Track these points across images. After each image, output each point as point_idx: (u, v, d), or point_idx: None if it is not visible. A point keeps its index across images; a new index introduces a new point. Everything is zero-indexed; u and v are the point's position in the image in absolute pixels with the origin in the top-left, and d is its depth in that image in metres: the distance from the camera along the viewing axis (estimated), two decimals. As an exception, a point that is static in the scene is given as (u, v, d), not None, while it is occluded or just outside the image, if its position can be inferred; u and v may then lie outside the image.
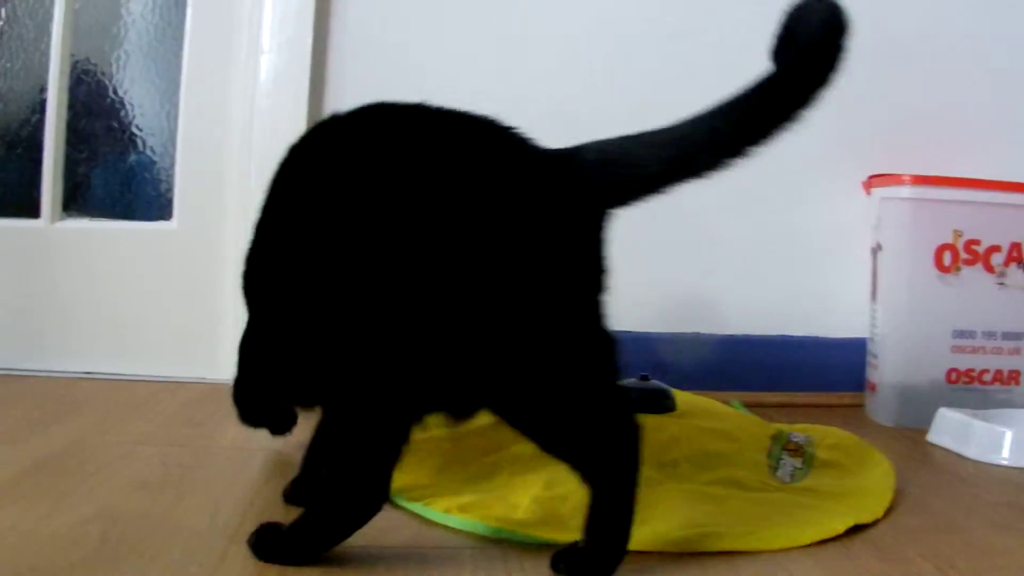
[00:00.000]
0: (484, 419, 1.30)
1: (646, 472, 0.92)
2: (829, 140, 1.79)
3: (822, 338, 1.84)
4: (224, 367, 1.51)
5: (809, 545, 1.00)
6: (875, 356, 1.73)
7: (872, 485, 1.20)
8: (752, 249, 1.84)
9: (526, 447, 0.92)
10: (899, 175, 1.67)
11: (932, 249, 1.66)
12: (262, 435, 1.21)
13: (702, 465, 1.23)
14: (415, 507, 1.04)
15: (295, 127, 1.47)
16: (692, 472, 1.20)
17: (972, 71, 1.87)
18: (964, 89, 1.87)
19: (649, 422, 1.29)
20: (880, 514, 1.10)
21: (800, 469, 1.27)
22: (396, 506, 1.05)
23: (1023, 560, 1.00)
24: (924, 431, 1.53)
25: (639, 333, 1.72)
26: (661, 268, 1.81)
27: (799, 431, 1.43)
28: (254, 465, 1.21)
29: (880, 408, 1.70)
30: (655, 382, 1.48)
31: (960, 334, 1.68)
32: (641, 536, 0.91)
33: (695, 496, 1.11)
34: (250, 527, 0.90)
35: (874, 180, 1.76)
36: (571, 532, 0.89)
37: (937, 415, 1.53)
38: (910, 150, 1.80)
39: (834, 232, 1.85)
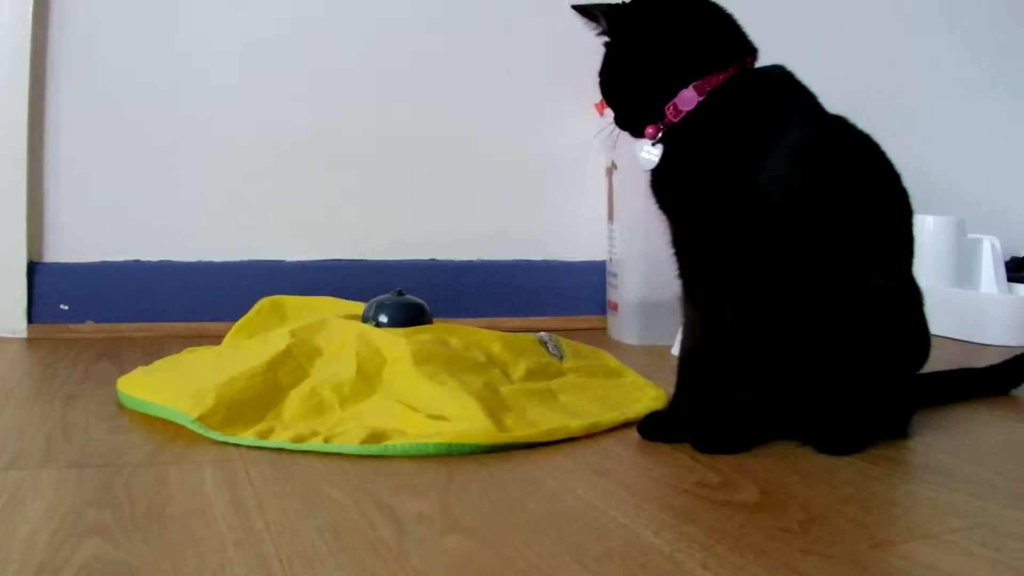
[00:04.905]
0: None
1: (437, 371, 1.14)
2: (557, 66, 1.77)
3: (561, 261, 1.82)
4: None
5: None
6: (615, 276, 1.73)
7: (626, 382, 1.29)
8: (488, 174, 1.78)
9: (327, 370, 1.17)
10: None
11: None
12: None
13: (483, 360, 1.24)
14: (307, 446, 0.98)
15: None
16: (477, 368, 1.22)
17: None
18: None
19: (416, 332, 1.24)
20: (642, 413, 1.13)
21: (560, 348, 1.35)
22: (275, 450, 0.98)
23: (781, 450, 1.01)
24: (668, 346, 1.53)
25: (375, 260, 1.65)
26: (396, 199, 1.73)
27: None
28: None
29: (623, 327, 1.70)
30: (411, 296, 1.39)
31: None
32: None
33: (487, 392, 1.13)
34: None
35: (606, 101, 1.74)
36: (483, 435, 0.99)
37: (681, 330, 1.52)
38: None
39: (570, 154, 1.82)
